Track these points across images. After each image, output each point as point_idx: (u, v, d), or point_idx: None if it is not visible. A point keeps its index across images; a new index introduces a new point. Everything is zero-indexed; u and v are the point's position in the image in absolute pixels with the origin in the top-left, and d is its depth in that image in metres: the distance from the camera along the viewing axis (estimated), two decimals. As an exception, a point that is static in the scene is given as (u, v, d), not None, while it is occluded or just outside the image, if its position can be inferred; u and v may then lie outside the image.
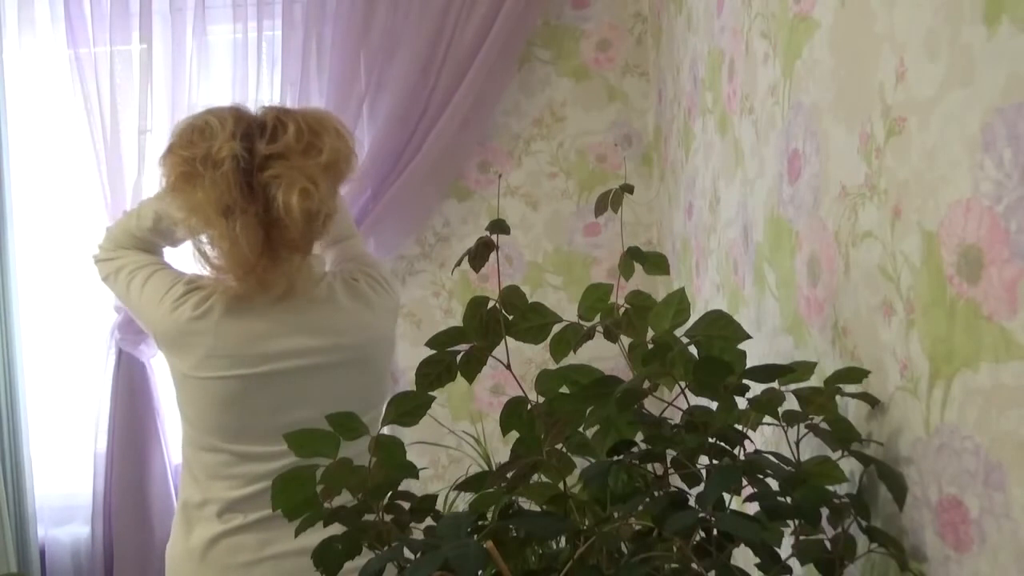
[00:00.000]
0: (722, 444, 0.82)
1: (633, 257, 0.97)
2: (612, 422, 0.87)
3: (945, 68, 0.73)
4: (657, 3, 2.14)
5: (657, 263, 0.98)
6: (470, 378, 0.88)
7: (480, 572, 0.71)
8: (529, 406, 0.87)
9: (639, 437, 0.85)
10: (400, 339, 2.12)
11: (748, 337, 0.83)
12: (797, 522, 0.78)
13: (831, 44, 0.97)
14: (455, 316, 2.27)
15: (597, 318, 0.94)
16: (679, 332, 0.86)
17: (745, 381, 0.81)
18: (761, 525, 0.75)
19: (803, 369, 0.90)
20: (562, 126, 2.28)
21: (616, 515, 0.78)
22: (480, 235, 0.89)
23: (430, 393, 0.87)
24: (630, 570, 0.72)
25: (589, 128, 2.28)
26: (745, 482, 0.79)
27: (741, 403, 0.84)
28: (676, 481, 0.85)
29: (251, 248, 1.22)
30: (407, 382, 2.17)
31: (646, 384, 0.79)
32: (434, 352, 0.87)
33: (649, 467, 0.85)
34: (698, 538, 0.76)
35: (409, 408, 0.86)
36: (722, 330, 0.83)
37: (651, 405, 0.87)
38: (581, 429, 0.85)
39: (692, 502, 0.76)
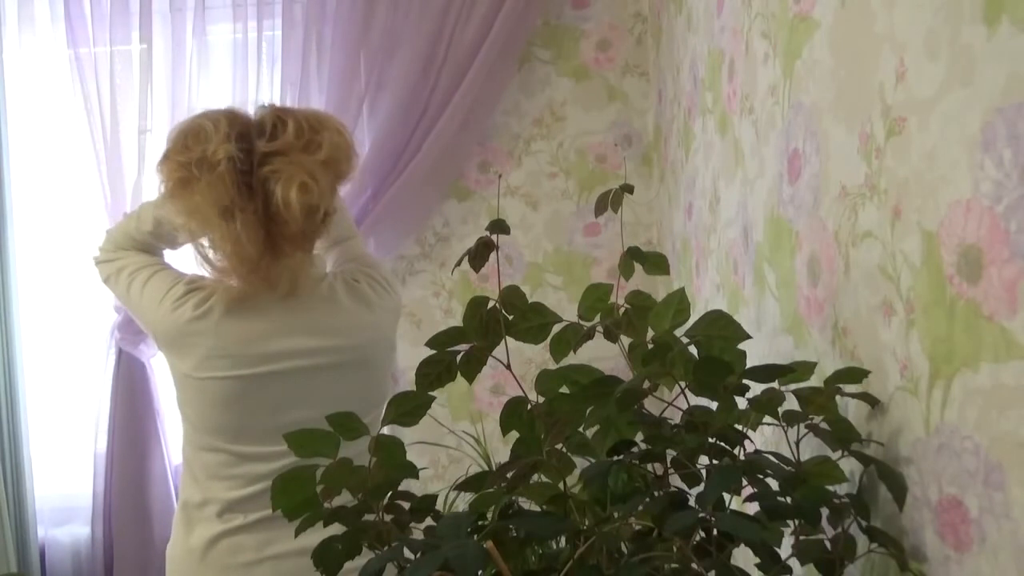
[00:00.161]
0: (722, 444, 0.82)
1: (633, 257, 0.97)
2: (612, 422, 0.87)
3: (945, 68, 0.73)
4: (657, 3, 2.14)
5: (657, 263, 0.98)
6: (470, 378, 0.88)
7: (480, 572, 0.71)
8: (529, 406, 0.86)
9: (639, 437, 0.85)
10: (400, 339, 2.11)
11: (748, 337, 0.83)
12: (797, 522, 0.78)
13: (831, 44, 0.97)
14: (455, 316, 2.27)
15: (597, 318, 0.94)
16: (679, 332, 0.86)
17: (745, 381, 0.81)
18: (761, 525, 0.75)
19: (803, 369, 0.90)
20: (562, 126, 2.28)
21: (616, 515, 0.78)
22: (480, 235, 0.89)
23: (430, 393, 0.86)
24: (630, 570, 0.72)
25: (589, 128, 2.28)
26: (745, 482, 0.79)
27: (741, 403, 0.84)
28: (676, 481, 0.85)
29: (253, 245, 1.22)
30: (407, 382, 2.16)
31: (646, 384, 0.79)
32: (434, 352, 0.87)
33: (649, 467, 0.85)
34: (698, 538, 0.76)
35: (409, 408, 0.86)
36: (722, 330, 0.83)
37: (651, 405, 0.87)
38: (581, 429, 0.85)
39: (692, 502, 0.76)
